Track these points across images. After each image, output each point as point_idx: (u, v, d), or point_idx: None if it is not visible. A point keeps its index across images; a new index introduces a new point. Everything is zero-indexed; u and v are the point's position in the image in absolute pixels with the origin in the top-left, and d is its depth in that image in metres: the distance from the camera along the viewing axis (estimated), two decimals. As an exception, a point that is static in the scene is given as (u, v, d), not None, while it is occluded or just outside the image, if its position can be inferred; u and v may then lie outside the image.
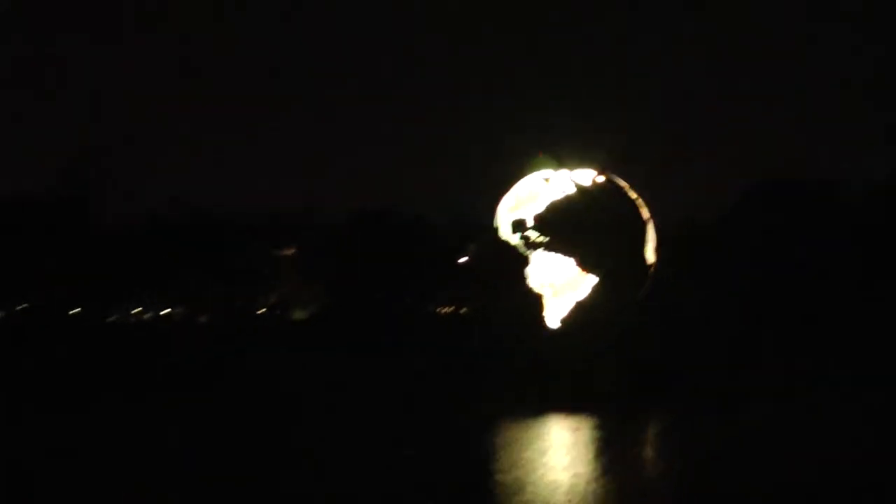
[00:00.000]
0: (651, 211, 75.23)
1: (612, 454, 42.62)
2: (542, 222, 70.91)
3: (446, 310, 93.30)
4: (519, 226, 70.88)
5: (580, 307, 71.47)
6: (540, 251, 70.04)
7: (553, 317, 71.89)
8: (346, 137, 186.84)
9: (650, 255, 74.15)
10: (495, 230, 70.92)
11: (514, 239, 70.67)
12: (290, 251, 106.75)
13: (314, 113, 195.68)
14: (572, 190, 73.13)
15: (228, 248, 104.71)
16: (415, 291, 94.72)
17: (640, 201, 74.66)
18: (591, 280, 72.65)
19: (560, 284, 71.41)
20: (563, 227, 71.08)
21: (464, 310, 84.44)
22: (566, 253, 71.09)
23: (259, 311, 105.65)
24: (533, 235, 69.83)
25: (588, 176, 74.21)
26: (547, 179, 75.07)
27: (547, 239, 70.16)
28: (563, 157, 75.64)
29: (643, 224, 73.19)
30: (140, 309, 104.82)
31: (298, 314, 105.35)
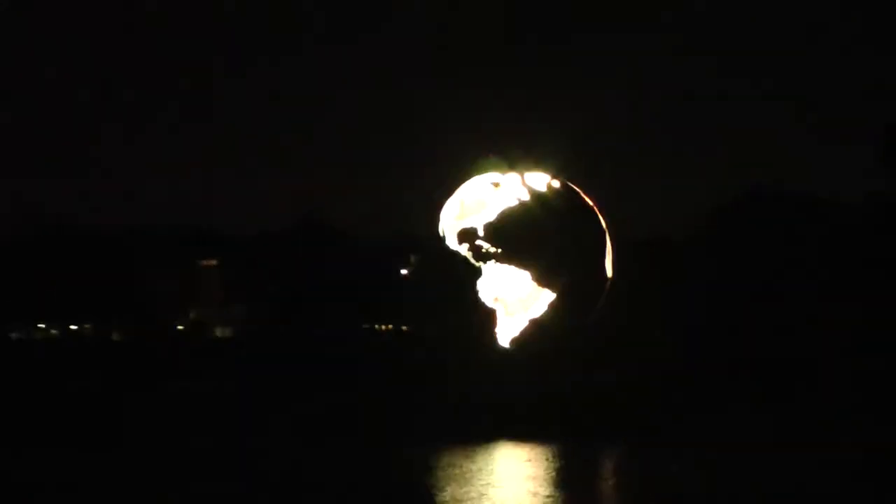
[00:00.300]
0: (608, 220, 70.28)
1: (565, 492, 40.57)
2: (494, 232, 65.94)
3: (384, 328, 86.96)
4: (467, 235, 65.68)
5: (535, 326, 67.01)
6: (491, 263, 65.00)
7: (504, 337, 66.80)
8: (269, 145, 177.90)
9: (608, 269, 70.03)
10: (440, 240, 65.44)
11: (462, 250, 65.32)
12: (211, 263, 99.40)
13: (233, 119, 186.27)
14: (526, 196, 67.95)
15: (143, 259, 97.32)
16: (348, 308, 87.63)
17: (596, 209, 69.83)
18: (547, 296, 68.12)
19: (512, 302, 66.19)
20: (517, 237, 66.37)
21: (404, 328, 77.89)
22: (521, 266, 66.28)
23: (178, 328, 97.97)
24: (485, 246, 64.68)
25: (541, 181, 68.88)
26: (497, 184, 70.01)
27: (499, 250, 65.12)
28: (512, 160, 70.78)
29: (602, 234, 69.76)
30: (43, 326, 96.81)
31: (220, 331, 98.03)
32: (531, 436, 54.15)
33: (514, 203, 67.68)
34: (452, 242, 66.86)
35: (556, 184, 69.49)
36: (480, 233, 66.88)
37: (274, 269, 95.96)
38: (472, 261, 65.60)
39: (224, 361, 76.19)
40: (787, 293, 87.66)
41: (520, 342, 67.51)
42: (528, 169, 70.18)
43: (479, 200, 68.09)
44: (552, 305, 68.75)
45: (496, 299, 66.91)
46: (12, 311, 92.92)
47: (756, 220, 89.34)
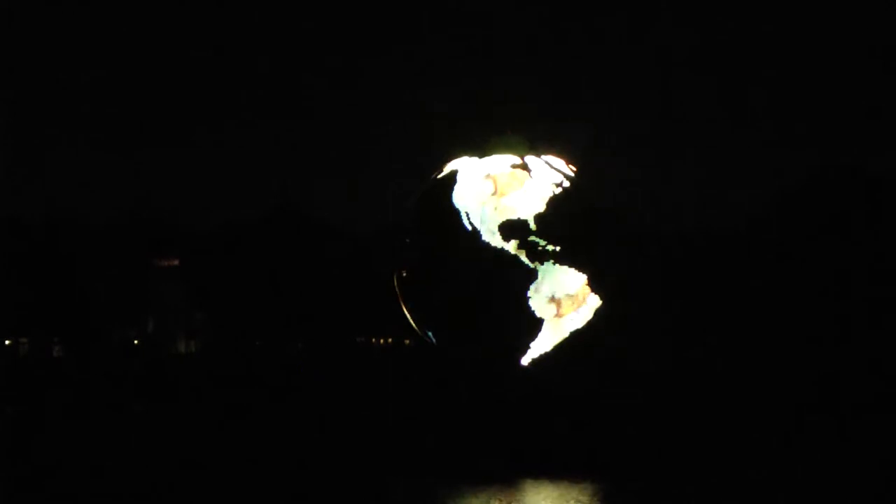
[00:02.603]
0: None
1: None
2: (547, 225, 55.95)
3: (382, 341, 75.29)
4: (515, 229, 55.16)
5: (578, 337, 57.65)
6: (548, 264, 55.31)
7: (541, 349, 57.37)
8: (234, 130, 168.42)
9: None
10: (474, 233, 54.63)
11: (510, 247, 55.04)
12: (171, 262, 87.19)
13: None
14: (565, 183, 58.25)
15: (90, 258, 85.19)
16: (335, 316, 75.84)
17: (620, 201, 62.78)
18: (593, 302, 58.62)
19: (566, 302, 56.94)
20: (575, 232, 57.09)
21: (407, 341, 66.10)
22: (579, 267, 56.40)
23: (132, 342, 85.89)
24: (541, 242, 54.71)
25: (560, 165, 60.11)
26: (523, 166, 59.41)
27: (557, 248, 55.29)
28: (532, 141, 62.62)
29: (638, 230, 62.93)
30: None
31: (184, 346, 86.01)
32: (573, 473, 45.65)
33: (555, 190, 56.83)
34: (490, 235, 55.75)
35: (574, 170, 60.01)
36: (532, 226, 55.68)
37: (243, 268, 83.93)
38: (527, 261, 55.02)
39: (186, 389, 64.44)
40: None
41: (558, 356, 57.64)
42: (550, 152, 60.80)
43: (514, 177, 57.53)
44: (598, 313, 58.81)
45: (551, 299, 56.62)
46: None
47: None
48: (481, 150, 63.40)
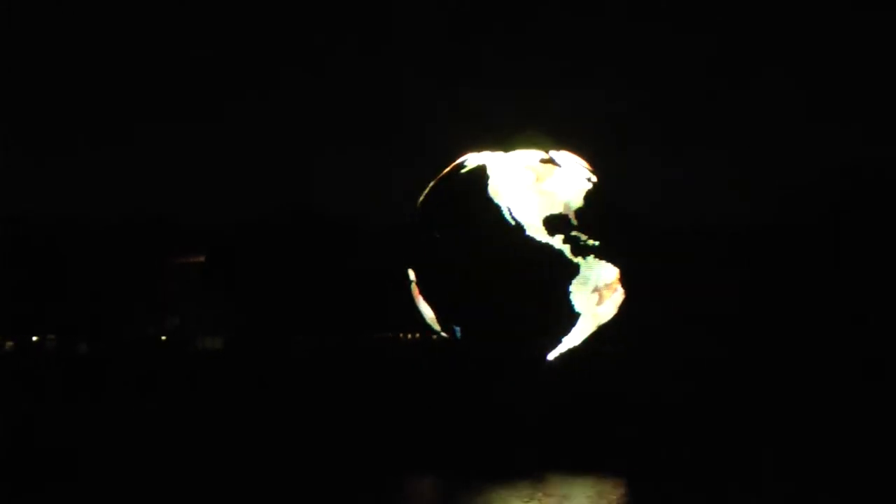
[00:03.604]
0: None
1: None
2: (587, 219, 56.35)
3: (409, 336, 74.85)
4: (557, 224, 55.40)
5: (604, 332, 57.29)
6: (591, 258, 55.83)
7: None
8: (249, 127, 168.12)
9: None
10: (518, 227, 54.54)
11: (556, 242, 55.29)
12: (197, 259, 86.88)
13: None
14: (593, 178, 58.33)
15: (116, 257, 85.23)
16: (361, 312, 75.53)
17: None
18: (617, 298, 58.87)
19: (604, 290, 57.42)
20: (612, 227, 57.35)
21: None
22: (614, 262, 56.74)
23: (161, 338, 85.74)
24: (582, 237, 55.20)
25: (577, 162, 60.24)
26: (549, 161, 59.62)
27: (597, 243, 55.83)
28: (553, 137, 63.07)
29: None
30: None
31: (209, 342, 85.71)
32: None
33: (587, 185, 57.20)
34: (534, 228, 55.84)
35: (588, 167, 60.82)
36: (573, 220, 55.93)
37: (268, 264, 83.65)
38: (570, 256, 55.30)
39: (213, 383, 64.14)
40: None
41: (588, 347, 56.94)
42: (567, 149, 61.26)
43: (548, 170, 57.86)
44: (621, 308, 57.65)
45: (595, 290, 57.12)
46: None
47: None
48: (504, 144, 63.30)
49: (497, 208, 55.52)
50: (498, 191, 56.37)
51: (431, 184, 60.40)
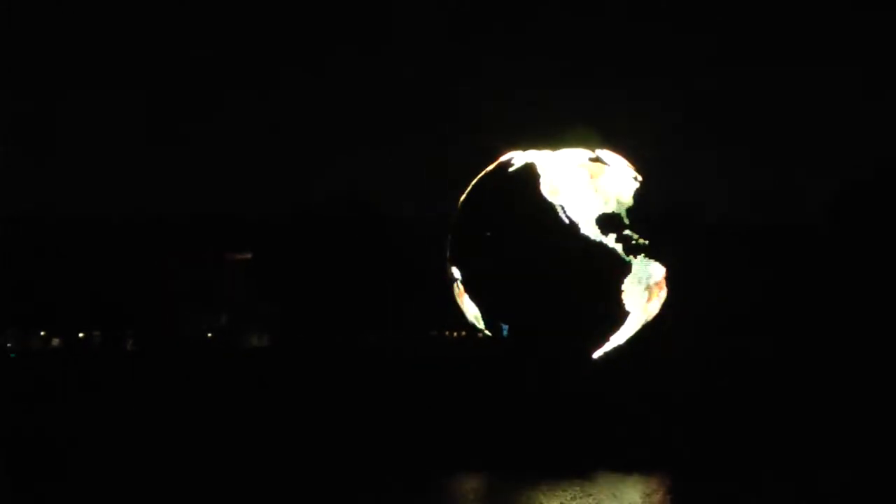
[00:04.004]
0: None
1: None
2: (638, 220, 56.70)
3: (455, 334, 74.67)
4: (611, 223, 55.51)
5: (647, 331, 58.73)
6: (640, 258, 55.99)
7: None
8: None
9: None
10: (573, 226, 54.57)
11: (609, 241, 55.45)
12: (244, 256, 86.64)
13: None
14: (639, 177, 58.18)
15: (162, 252, 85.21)
16: (410, 309, 75.28)
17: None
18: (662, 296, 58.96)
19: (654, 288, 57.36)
20: (659, 227, 57.73)
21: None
22: (662, 261, 56.99)
23: (206, 335, 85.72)
24: (634, 237, 55.69)
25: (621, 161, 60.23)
26: (597, 160, 59.63)
27: (647, 242, 56.32)
28: (602, 135, 63.13)
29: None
30: (43, 333, 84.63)
31: (255, 340, 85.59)
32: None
33: (635, 183, 57.04)
34: (589, 226, 56.06)
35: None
36: (625, 219, 56.09)
37: (315, 261, 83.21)
38: (623, 255, 55.54)
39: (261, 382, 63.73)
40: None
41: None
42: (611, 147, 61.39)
43: (598, 165, 58.03)
44: (665, 305, 58.80)
45: (647, 287, 57.14)
46: (6, 315, 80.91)
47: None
48: (553, 143, 62.97)
49: (552, 207, 55.46)
50: (552, 189, 56.37)
51: (474, 181, 60.07)
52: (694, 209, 75.62)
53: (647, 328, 58.39)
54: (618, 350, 58.54)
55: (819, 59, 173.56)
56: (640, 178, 58.06)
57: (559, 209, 56.36)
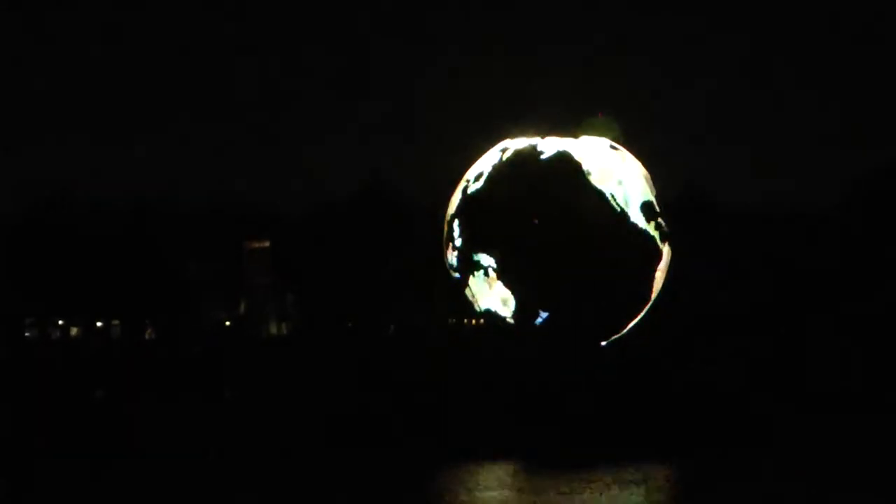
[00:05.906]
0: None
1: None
2: (664, 209, 57.17)
3: (473, 322, 74.47)
4: (650, 210, 55.94)
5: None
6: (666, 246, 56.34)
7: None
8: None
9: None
10: (621, 212, 54.73)
11: (650, 228, 56.12)
12: (262, 244, 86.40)
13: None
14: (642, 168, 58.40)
15: (181, 241, 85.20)
16: (426, 298, 75.20)
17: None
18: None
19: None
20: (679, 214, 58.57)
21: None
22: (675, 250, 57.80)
23: (225, 323, 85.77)
24: (664, 225, 56.05)
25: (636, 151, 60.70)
26: (617, 149, 59.77)
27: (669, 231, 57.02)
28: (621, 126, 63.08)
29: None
30: (62, 323, 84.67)
31: (274, 328, 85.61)
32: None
33: (646, 175, 57.31)
34: (636, 214, 56.54)
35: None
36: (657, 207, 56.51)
37: (333, 249, 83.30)
38: (659, 242, 56.09)
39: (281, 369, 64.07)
40: None
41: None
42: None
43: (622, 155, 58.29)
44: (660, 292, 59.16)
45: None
46: (25, 305, 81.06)
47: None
48: (573, 131, 62.81)
49: (601, 194, 55.70)
50: (598, 177, 56.51)
51: (489, 170, 59.21)
52: (706, 197, 75.73)
53: (646, 317, 58.85)
54: (623, 337, 59.10)
55: (831, 48, 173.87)
56: (647, 173, 58.60)
57: (610, 197, 56.73)
